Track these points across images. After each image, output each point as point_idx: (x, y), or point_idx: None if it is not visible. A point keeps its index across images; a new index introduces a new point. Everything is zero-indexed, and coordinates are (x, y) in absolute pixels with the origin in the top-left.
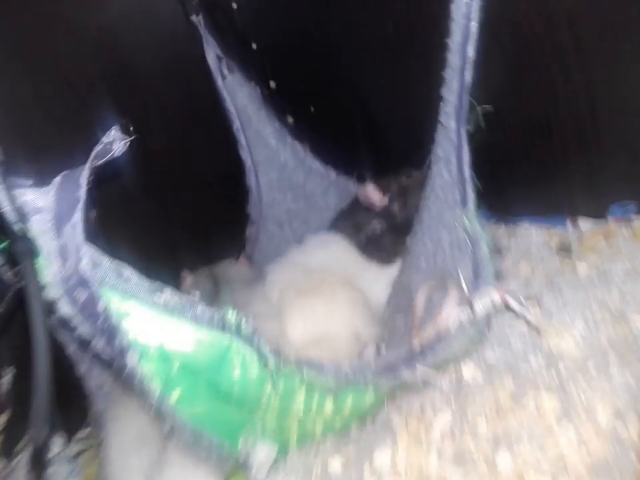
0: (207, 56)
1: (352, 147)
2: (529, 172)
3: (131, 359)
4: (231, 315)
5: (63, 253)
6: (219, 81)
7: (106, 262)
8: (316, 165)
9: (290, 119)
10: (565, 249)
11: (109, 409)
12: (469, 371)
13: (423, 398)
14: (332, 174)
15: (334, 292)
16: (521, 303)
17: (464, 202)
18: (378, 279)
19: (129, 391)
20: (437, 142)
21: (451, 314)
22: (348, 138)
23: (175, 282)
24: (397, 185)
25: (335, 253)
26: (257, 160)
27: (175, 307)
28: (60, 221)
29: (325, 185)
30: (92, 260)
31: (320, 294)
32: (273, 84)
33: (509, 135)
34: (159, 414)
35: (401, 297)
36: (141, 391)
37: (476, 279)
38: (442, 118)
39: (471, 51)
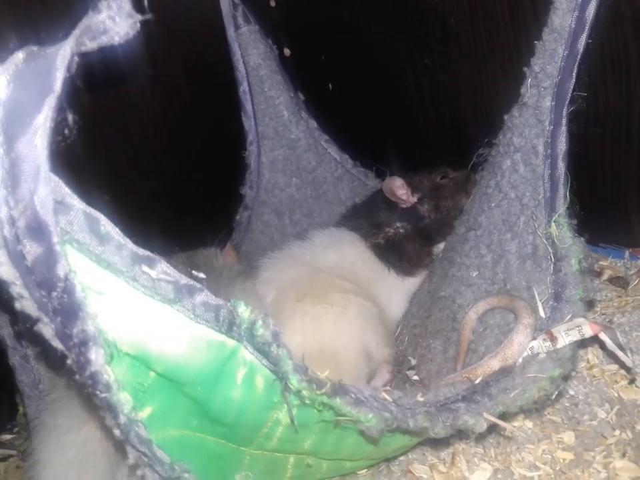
0: None
1: (374, 134)
2: (590, 190)
3: (96, 357)
4: (244, 311)
5: (12, 176)
6: (231, 31)
7: (77, 204)
8: (332, 148)
9: (301, 95)
10: (619, 283)
11: (45, 412)
12: (516, 420)
13: (454, 447)
14: (348, 162)
15: (345, 300)
16: (619, 344)
17: (552, 203)
18: (395, 291)
19: (75, 393)
20: (513, 128)
21: (524, 345)
22: (371, 124)
23: None
24: (430, 183)
25: (348, 254)
26: (262, 132)
27: (169, 290)
28: (14, 121)
29: (338, 174)
30: (56, 195)
31: (328, 301)
32: (287, 51)
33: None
34: (122, 434)
35: (435, 313)
36: (102, 402)
37: (557, 302)
38: (527, 96)
39: (591, 13)
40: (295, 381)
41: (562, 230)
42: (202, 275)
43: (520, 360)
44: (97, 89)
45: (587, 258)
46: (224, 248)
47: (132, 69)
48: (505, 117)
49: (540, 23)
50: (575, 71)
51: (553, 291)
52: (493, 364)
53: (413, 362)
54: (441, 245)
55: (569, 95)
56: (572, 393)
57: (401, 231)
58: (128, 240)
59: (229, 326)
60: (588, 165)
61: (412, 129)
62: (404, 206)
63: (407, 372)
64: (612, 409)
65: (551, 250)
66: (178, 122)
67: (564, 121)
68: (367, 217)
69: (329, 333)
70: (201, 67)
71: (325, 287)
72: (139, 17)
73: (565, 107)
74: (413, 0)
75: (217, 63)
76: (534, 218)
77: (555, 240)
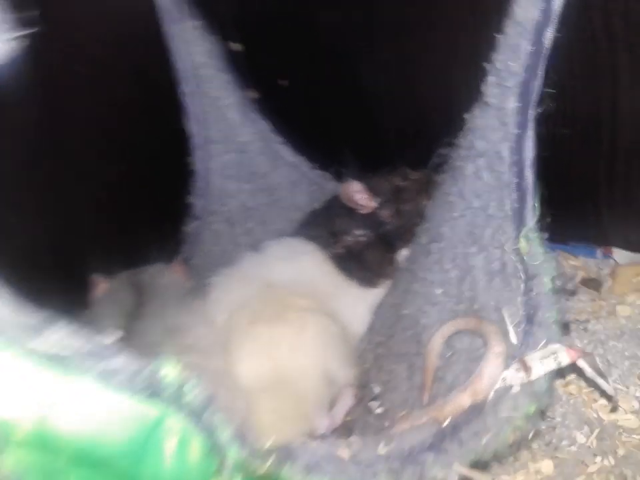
0: None
1: (333, 134)
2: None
3: None
4: (170, 372)
5: None
6: (170, 26)
7: None
8: (286, 151)
9: (254, 93)
10: (593, 285)
11: None
12: None
13: None
14: (304, 165)
15: (302, 320)
16: (599, 371)
17: (519, 216)
18: (358, 305)
19: None
20: (474, 129)
21: (495, 377)
22: (327, 122)
23: (81, 291)
24: (390, 186)
25: (304, 266)
26: (210, 136)
27: (73, 357)
28: None
29: (294, 178)
30: None
31: (284, 321)
32: (237, 46)
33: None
34: None
35: (399, 333)
36: None
37: (530, 325)
38: (489, 96)
39: (558, 5)
40: (233, 453)
41: (532, 245)
42: (117, 335)
43: (492, 394)
44: (29, 96)
45: (561, 275)
46: (172, 263)
47: (67, 70)
48: (466, 117)
49: (503, 12)
50: (542, 69)
51: (524, 313)
52: (463, 400)
53: (376, 390)
54: (404, 252)
55: (536, 95)
56: (548, 414)
57: (362, 238)
58: (20, 307)
59: (152, 392)
60: (556, 165)
61: (369, 126)
62: (363, 212)
63: (370, 404)
64: (592, 433)
65: (520, 267)
66: (120, 127)
67: (530, 125)
68: (324, 225)
69: (285, 358)
70: (142, 67)
71: (280, 306)
72: (25, 31)
73: (531, 109)
74: None
75: (160, 63)
76: (501, 231)
77: (525, 256)
